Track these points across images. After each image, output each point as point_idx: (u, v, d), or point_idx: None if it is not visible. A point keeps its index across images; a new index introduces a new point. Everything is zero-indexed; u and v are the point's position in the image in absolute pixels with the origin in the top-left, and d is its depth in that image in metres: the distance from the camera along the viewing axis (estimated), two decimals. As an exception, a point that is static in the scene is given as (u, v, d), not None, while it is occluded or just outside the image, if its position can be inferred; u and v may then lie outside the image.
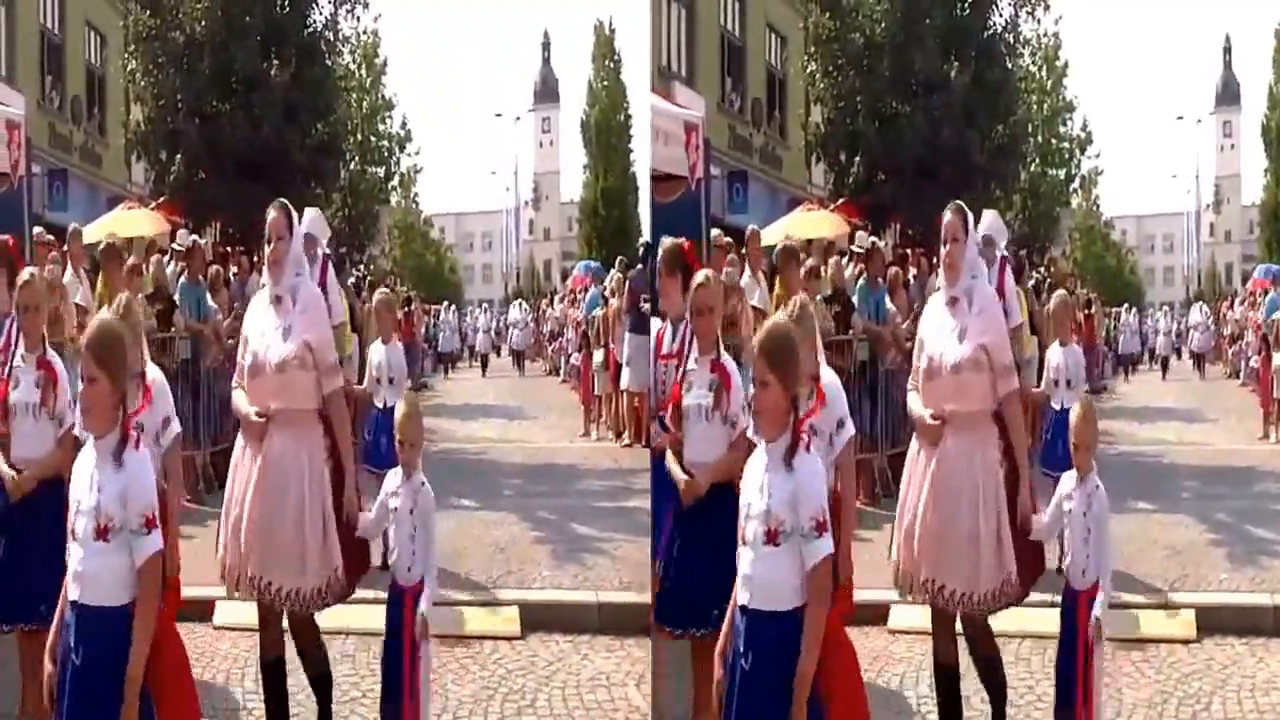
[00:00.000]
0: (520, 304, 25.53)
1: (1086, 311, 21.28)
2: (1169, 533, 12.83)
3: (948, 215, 7.89)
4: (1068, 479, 7.69)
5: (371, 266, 20.23)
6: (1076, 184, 23.02)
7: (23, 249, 12.33)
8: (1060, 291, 9.44)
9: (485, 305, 26.39)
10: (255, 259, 16.31)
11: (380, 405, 11.31)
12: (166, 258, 14.97)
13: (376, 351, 11.24)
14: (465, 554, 11.99)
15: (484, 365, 25.41)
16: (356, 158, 22.01)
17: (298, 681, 8.44)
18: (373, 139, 23.02)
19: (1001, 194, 19.76)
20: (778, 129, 21.67)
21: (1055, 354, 11.34)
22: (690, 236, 12.10)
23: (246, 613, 10.06)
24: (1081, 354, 11.01)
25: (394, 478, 7.55)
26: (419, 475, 7.51)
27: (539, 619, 10.59)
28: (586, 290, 20.11)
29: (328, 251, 9.78)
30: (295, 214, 8.32)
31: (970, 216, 7.92)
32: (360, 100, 22.59)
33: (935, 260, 16.15)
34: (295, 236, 8.12)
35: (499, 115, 24.74)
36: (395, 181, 23.57)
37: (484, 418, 20.40)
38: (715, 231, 14.71)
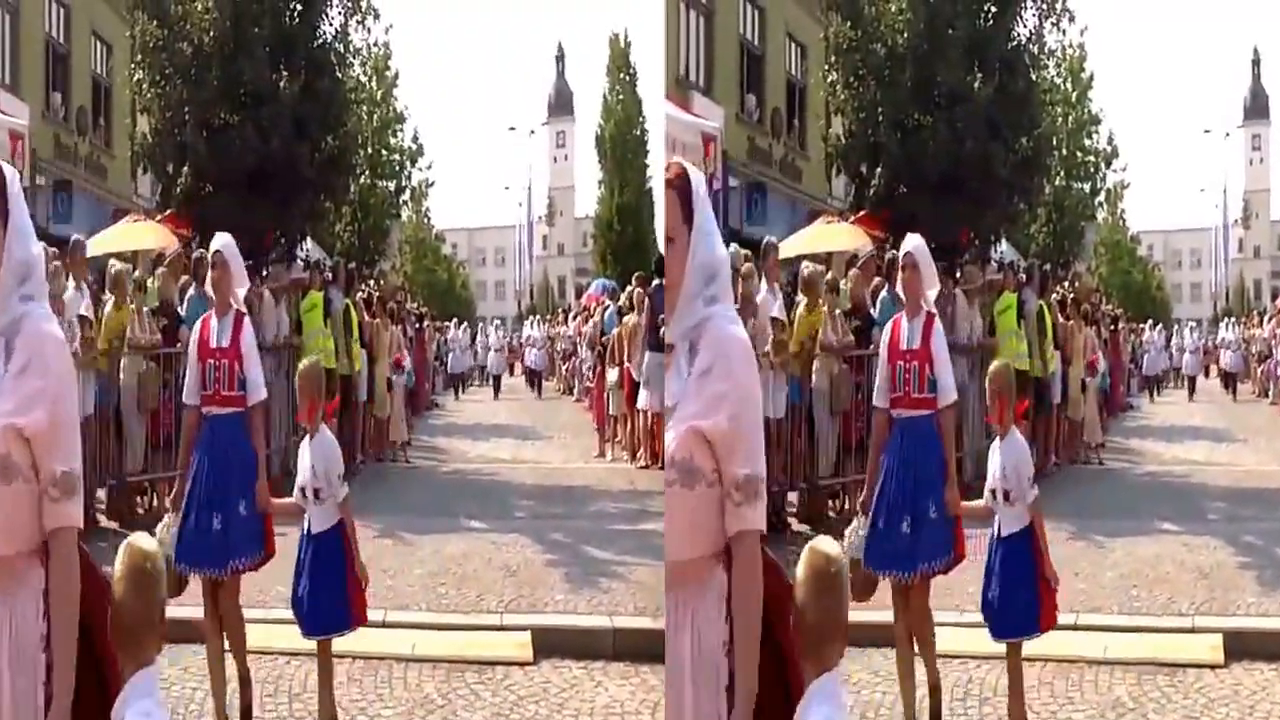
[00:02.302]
0: (536, 320, 25.27)
1: (1112, 329, 21.01)
2: (1196, 555, 12.55)
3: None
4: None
5: (381, 282, 20.03)
6: (1102, 197, 22.83)
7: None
8: (997, 363, 8.31)
9: (498, 322, 26.17)
10: (264, 275, 16.10)
11: (306, 529, 8.39)
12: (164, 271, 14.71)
13: (302, 452, 8.32)
14: (476, 576, 11.76)
15: (496, 387, 25.01)
16: (367, 171, 21.86)
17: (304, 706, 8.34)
18: (383, 152, 22.88)
19: (1025, 207, 19.59)
20: (797, 140, 21.47)
21: (993, 452, 8.22)
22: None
23: (254, 634, 9.85)
24: (1027, 448, 8.14)
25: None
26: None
27: (551, 644, 10.31)
28: (604, 308, 19.86)
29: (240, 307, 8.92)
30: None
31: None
32: (371, 113, 22.45)
33: (957, 274, 16.10)
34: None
35: (512, 129, 24.63)
36: (406, 196, 23.48)
37: (496, 438, 20.20)
38: (733, 246, 14.53)
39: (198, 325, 9.22)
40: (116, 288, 13.47)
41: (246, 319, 9.08)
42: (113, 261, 14.69)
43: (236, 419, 8.90)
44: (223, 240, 9.08)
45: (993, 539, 8.20)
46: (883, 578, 8.78)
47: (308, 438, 8.30)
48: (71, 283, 13.41)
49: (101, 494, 13.61)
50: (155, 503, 13.60)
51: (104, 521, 13.34)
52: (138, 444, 13.43)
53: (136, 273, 14.59)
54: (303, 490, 8.30)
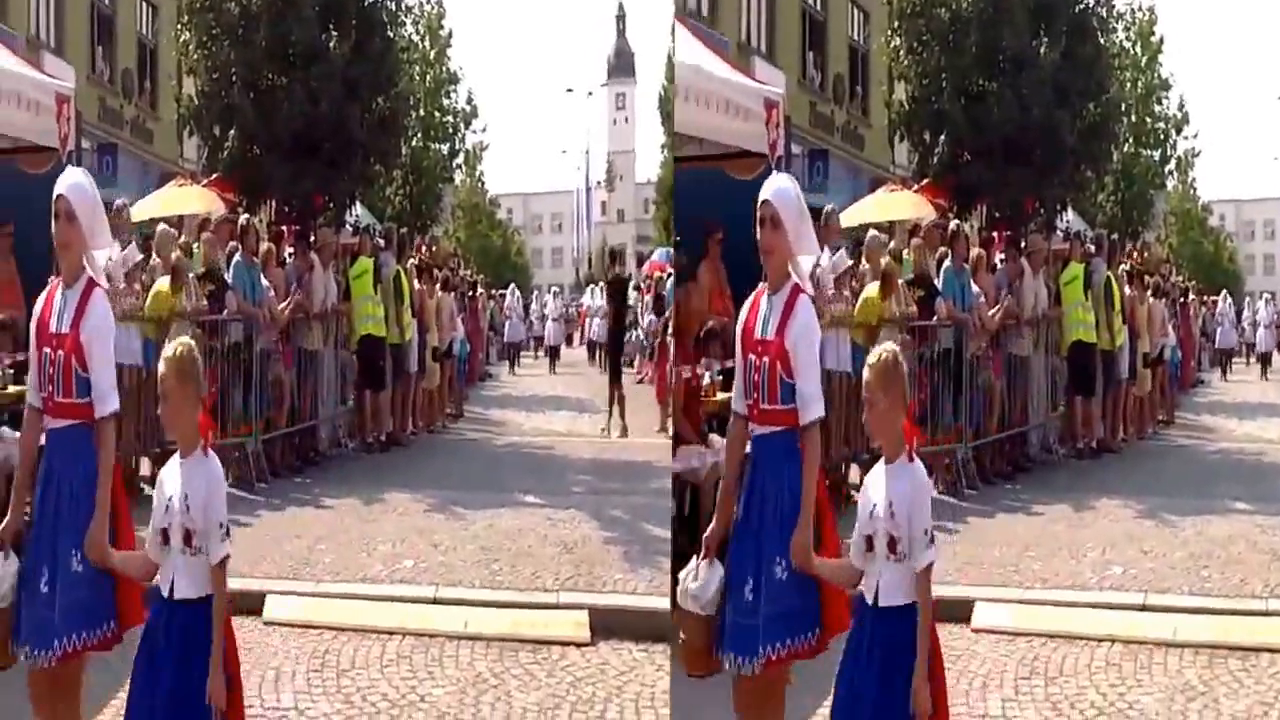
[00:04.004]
0: (596, 289, 24.98)
1: (1182, 301, 20.66)
2: (1270, 537, 12.20)
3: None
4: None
5: (434, 249, 19.77)
6: (1172, 166, 22.34)
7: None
8: (883, 349, 5.90)
9: (555, 290, 25.87)
10: (312, 239, 15.92)
11: (167, 590, 6.10)
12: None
13: (167, 476, 6.23)
14: (531, 553, 11.54)
15: (553, 359, 24.67)
16: (419, 134, 21.53)
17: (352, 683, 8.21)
18: (436, 114, 22.55)
19: (1092, 175, 19.19)
20: (860, 107, 21.22)
21: (873, 480, 6.06)
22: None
23: (300, 608, 9.76)
24: (927, 479, 5.96)
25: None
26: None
27: (610, 625, 10.07)
28: (668, 276, 19.61)
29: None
30: None
31: None
32: (424, 73, 22.12)
33: (1022, 244, 15.83)
34: None
35: (570, 90, 24.31)
36: (460, 159, 23.12)
37: (552, 410, 19.95)
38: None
39: (41, 297, 6.91)
40: (171, 270, 13.27)
41: (100, 294, 6.81)
42: (161, 227, 14.60)
43: (75, 436, 6.68)
44: (70, 182, 6.83)
45: (860, 609, 5.93)
46: (725, 666, 6.75)
47: (178, 456, 6.05)
48: (117, 245, 13.34)
49: (145, 462, 13.47)
50: None
51: (147, 490, 13.18)
52: None
53: (182, 238, 14.50)
54: (163, 533, 5.94)
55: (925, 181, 18.32)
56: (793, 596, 6.53)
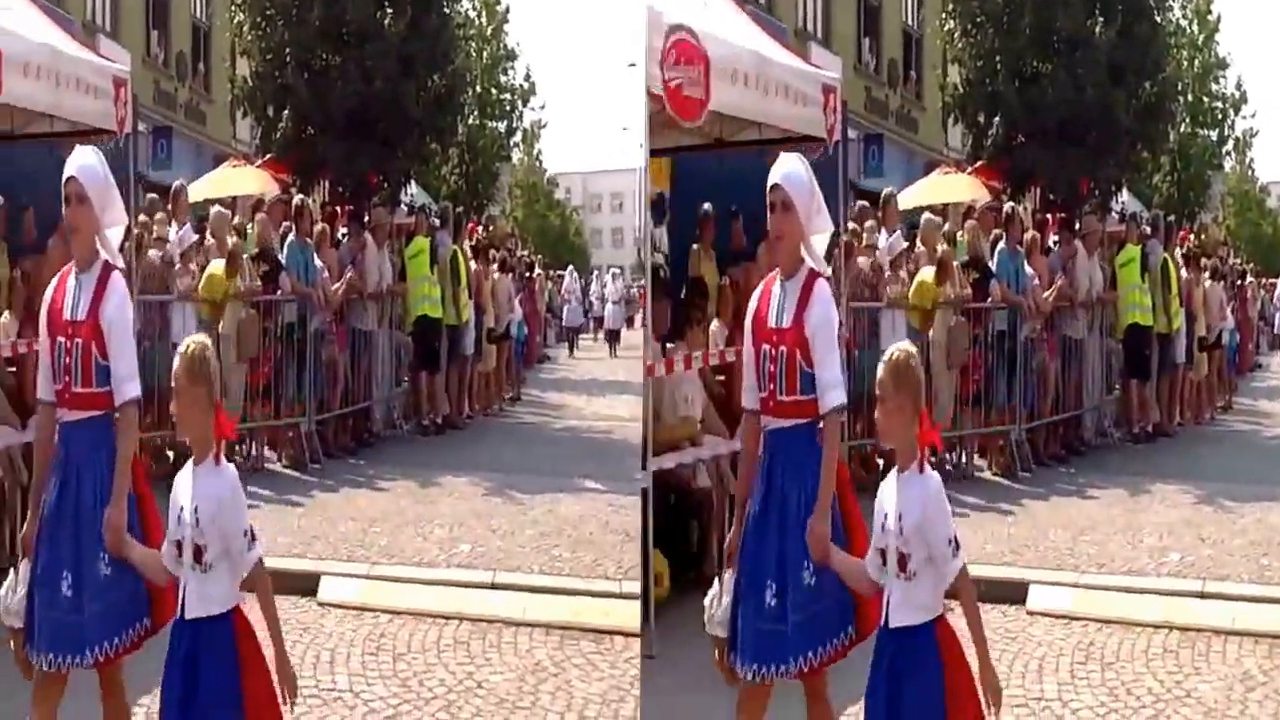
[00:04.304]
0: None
1: (1240, 283, 20.52)
2: (1327, 526, 12.08)
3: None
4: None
5: (490, 228, 19.68)
6: (1229, 146, 22.22)
7: (128, 208, 12.08)
8: (898, 351, 5.40)
9: (615, 272, 25.71)
10: (366, 219, 15.88)
11: (180, 612, 5.62)
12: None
13: (179, 486, 5.71)
14: (592, 540, 11.41)
15: (613, 343, 24.49)
16: (476, 111, 21.45)
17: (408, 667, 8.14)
18: (493, 91, 22.46)
19: (1148, 156, 19.12)
20: (914, 90, 21.18)
21: (885, 492, 5.53)
22: (828, 200, 11.83)
23: (355, 590, 9.73)
24: (942, 492, 5.41)
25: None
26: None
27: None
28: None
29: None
30: None
31: None
32: (480, 50, 22.03)
33: (1077, 226, 15.75)
34: None
35: (632, 65, 24.18)
36: (517, 137, 23.04)
37: (614, 394, 19.85)
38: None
39: (51, 285, 6.55)
40: (227, 254, 13.26)
41: (118, 277, 6.46)
42: (215, 208, 14.62)
43: (96, 428, 6.37)
44: (80, 162, 6.50)
45: (880, 632, 5.43)
46: (748, 677, 6.30)
47: (191, 463, 5.59)
48: (174, 225, 13.46)
49: None
50: (254, 450, 13.55)
51: None
52: (236, 392, 13.20)
53: (236, 218, 14.51)
54: (175, 546, 5.53)
55: (979, 164, 18.28)
56: (822, 600, 6.16)
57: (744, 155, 11.39)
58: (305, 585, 9.86)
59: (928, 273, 13.43)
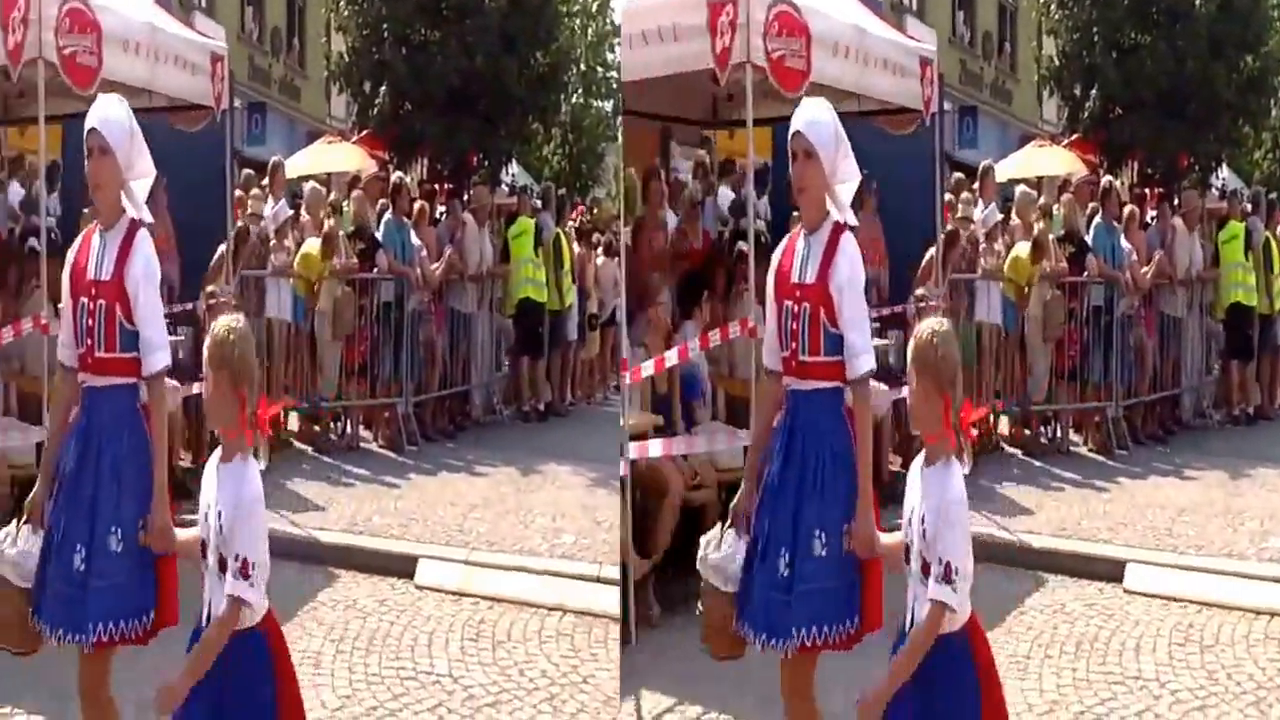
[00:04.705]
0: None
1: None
2: None
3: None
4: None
5: (595, 210, 19.46)
6: (1334, 121, 21.76)
7: (225, 185, 12.16)
8: (928, 327, 4.93)
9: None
10: (465, 198, 15.78)
11: (205, 612, 5.12)
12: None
13: (206, 482, 5.15)
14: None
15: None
16: (580, 90, 21.28)
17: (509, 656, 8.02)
18: (598, 69, 22.26)
19: (1250, 131, 18.81)
20: (1008, 62, 21.00)
21: (911, 481, 5.07)
22: (921, 173, 11.83)
23: (454, 574, 9.66)
24: (963, 491, 4.90)
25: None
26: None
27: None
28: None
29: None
30: None
31: None
32: (585, 26, 21.86)
33: (1175, 201, 15.53)
34: None
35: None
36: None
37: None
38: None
39: (75, 243, 6.24)
40: (323, 237, 13.21)
41: (144, 235, 6.03)
42: (310, 185, 14.62)
43: (120, 397, 5.98)
44: (103, 113, 6.07)
45: (901, 629, 5.02)
46: (750, 639, 6.05)
47: (217, 458, 5.06)
48: (270, 201, 13.47)
49: (294, 417, 13.56)
50: (349, 429, 13.52)
51: (296, 445, 13.35)
52: (331, 370, 13.23)
53: (332, 195, 14.46)
54: (203, 546, 5.07)
55: (1075, 136, 18.10)
56: (831, 576, 5.83)
57: (843, 125, 11.47)
58: (402, 568, 9.87)
59: (1023, 249, 13.32)
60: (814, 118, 6.04)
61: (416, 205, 14.47)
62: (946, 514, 4.76)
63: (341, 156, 16.76)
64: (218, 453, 5.07)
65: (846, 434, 5.86)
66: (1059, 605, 9.34)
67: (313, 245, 13.16)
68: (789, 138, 6.05)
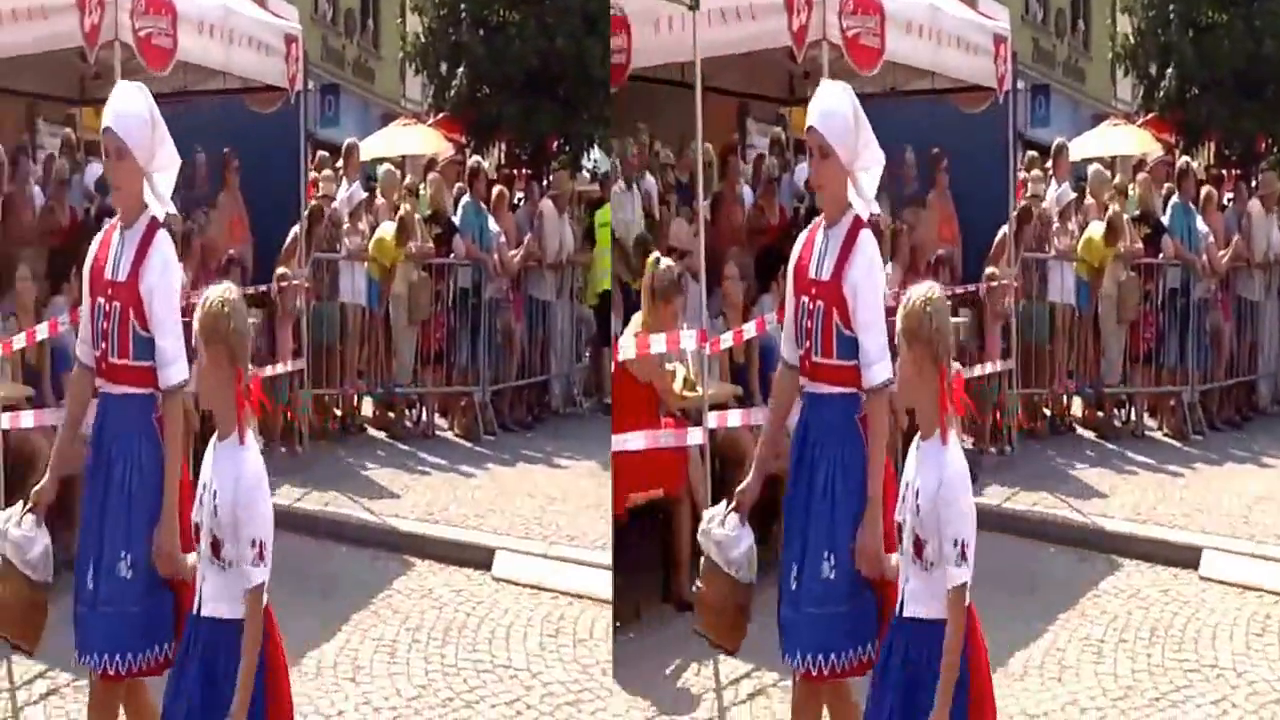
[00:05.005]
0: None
1: None
2: None
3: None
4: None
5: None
6: None
7: (298, 167, 12.19)
8: (919, 292, 4.77)
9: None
10: (545, 183, 15.53)
11: (196, 607, 4.97)
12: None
13: (205, 466, 4.90)
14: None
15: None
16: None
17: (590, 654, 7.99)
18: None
19: (1328, 111, 18.54)
20: (1081, 40, 20.81)
21: (910, 460, 4.84)
22: (994, 151, 11.76)
23: (532, 567, 9.57)
24: (965, 469, 4.69)
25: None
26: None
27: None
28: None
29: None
30: None
31: None
32: (671, 7, 21.59)
33: (1253, 183, 15.31)
34: None
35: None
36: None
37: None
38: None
39: (96, 239, 5.90)
40: (398, 222, 13.03)
41: (163, 236, 5.73)
42: (385, 167, 14.56)
43: (133, 407, 5.66)
44: (119, 109, 5.73)
45: (894, 619, 4.82)
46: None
47: (215, 439, 4.81)
48: (345, 183, 13.45)
49: (368, 404, 13.52)
50: (424, 417, 13.38)
51: (370, 431, 13.26)
52: (407, 356, 13.08)
53: (408, 178, 14.33)
54: (195, 530, 4.88)
55: (1150, 116, 17.92)
56: (841, 600, 5.49)
57: (916, 103, 11.48)
58: (479, 559, 9.72)
59: (1096, 229, 13.19)
60: (828, 109, 5.69)
61: (495, 190, 14.16)
62: (949, 490, 4.55)
63: (417, 139, 16.60)
64: (216, 435, 4.82)
65: (859, 445, 5.53)
66: (1134, 590, 9.25)
67: (387, 230, 13.01)
68: (805, 129, 5.76)
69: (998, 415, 12.23)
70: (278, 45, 11.53)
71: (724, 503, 5.95)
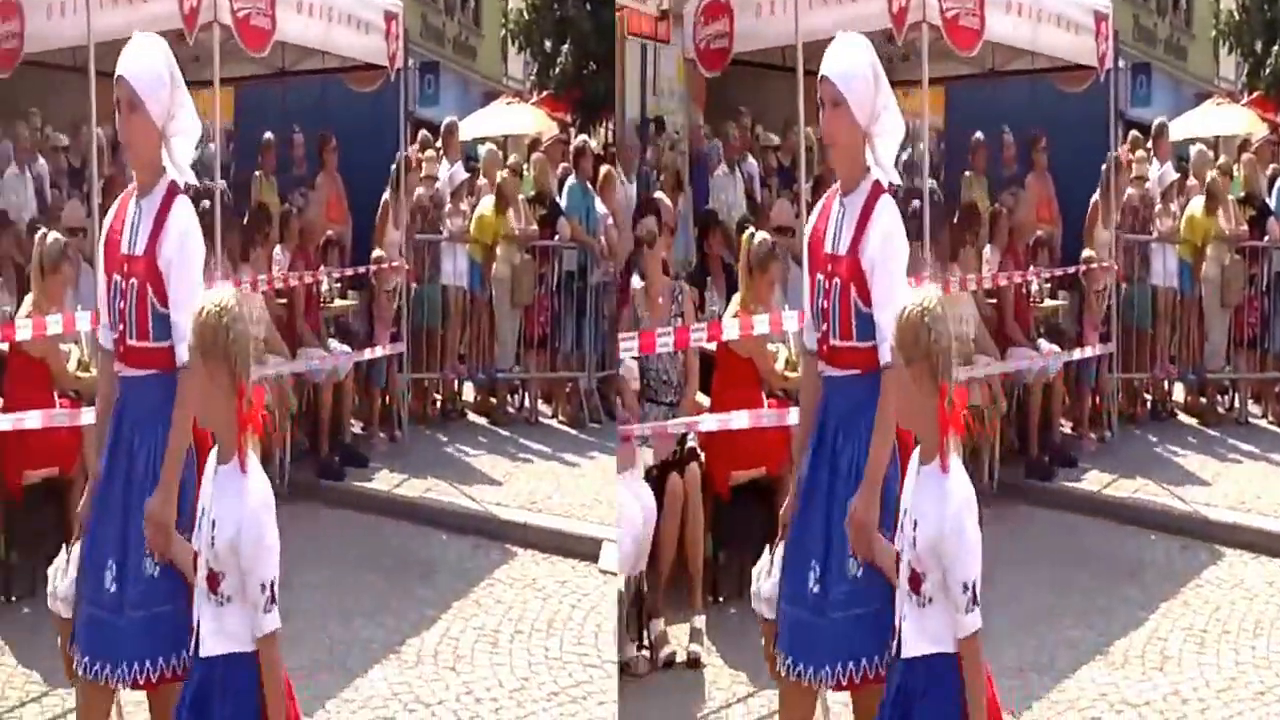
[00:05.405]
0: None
1: None
2: None
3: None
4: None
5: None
6: None
7: (398, 147, 12.18)
8: (915, 301, 4.23)
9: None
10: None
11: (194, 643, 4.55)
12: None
13: (205, 490, 4.57)
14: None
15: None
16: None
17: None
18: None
19: None
20: (1183, 18, 20.48)
21: (908, 486, 4.54)
22: (1095, 131, 11.64)
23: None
24: (970, 496, 4.30)
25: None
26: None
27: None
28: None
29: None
30: None
31: None
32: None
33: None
34: None
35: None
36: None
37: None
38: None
39: (112, 211, 5.51)
40: (496, 189, 12.86)
41: (181, 205, 5.33)
42: (488, 147, 14.51)
43: (154, 390, 5.25)
44: (134, 59, 5.31)
45: (892, 656, 4.43)
46: (782, 672, 5.37)
47: (214, 460, 4.43)
48: (446, 163, 13.36)
49: (469, 389, 13.35)
50: (526, 402, 13.05)
51: (471, 417, 13.06)
52: (509, 339, 12.86)
53: (512, 158, 14.20)
54: (195, 557, 4.51)
55: (1255, 95, 17.61)
56: (871, 600, 5.01)
57: (1015, 83, 11.45)
58: (584, 550, 9.58)
59: (1197, 204, 13.03)
60: (842, 60, 5.27)
61: (602, 170, 13.66)
62: (953, 526, 4.14)
63: (520, 118, 16.41)
64: (213, 454, 4.44)
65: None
66: (1237, 580, 9.14)
67: (486, 205, 12.84)
68: (819, 84, 5.31)
69: (1097, 400, 12.12)
70: (377, 23, 11.55)
71: (766, 552, 5.54)
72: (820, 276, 5.31)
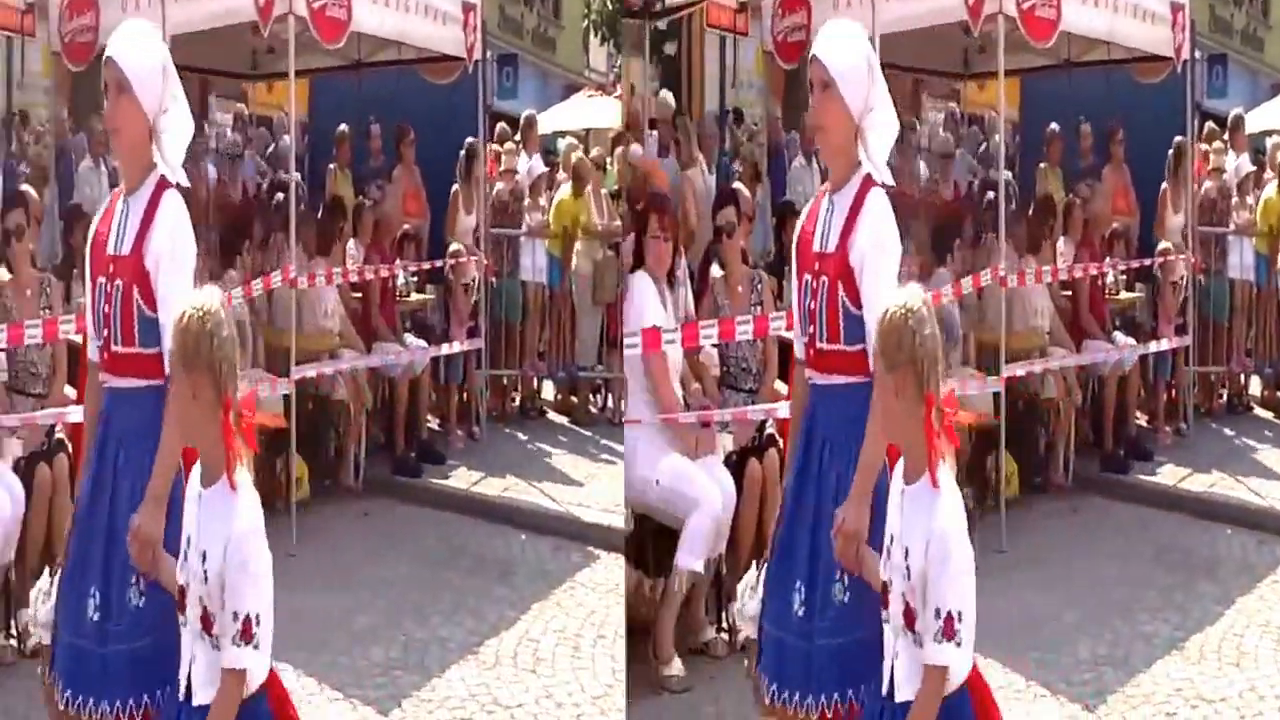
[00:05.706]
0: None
1: None
2: None
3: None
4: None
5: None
6: None
7: (476, 138, 12.18)
8: (898, 304, 3.98)
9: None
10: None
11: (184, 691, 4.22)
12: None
13: (188, 518, 4.24)
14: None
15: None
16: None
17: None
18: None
19: None
20: (1260, 7, 20.27)
21: (893, 506, 4.24)
22: (1172, 123, 11.57)
23: None
24: (962, 516, 3.96)
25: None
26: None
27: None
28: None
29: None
30: None
31: None
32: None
33: None
34: None
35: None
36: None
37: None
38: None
39: (100, 209, 5.25)
40: (572, 170, 12.86)
41: (173, 198, 5.04)
42: (568, 140, 14.53)
43: (141, 403, 4.91)
44: (125, 43, 5.04)
45: (877, 692, 4.11)
46: (766, 698, 5.09)
47: (197, 483, 4.04)
48: (524, 155, 13.39)
49: (549, 387, 13.24)
50: (609, 403, 12.75)
51: (551, 415, 12.96)
52: (590, 337, 12.71)
53: (594, 152, 14.21)
54: (181, 593, 4.07)
55: (1338, 85, 17.41)
56: (861, 625, 4.65)
57: (1091, 74, 11.43)
58: None
59: (1271, 189, 12.93)
60: (834, 43, 5.04)
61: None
62: (939, 549, 3.77)
63: (603, 111, 16.41)
64: (196, 471, 4.04)
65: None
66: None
67: (564, 191, 12.78)
68: (809, 64, 5.09)
69: (1172, 393, 12.07)
70: (455, 14, 11.57)
71: (753, 568, 5.46)
72: (808, 277, 5.08)
